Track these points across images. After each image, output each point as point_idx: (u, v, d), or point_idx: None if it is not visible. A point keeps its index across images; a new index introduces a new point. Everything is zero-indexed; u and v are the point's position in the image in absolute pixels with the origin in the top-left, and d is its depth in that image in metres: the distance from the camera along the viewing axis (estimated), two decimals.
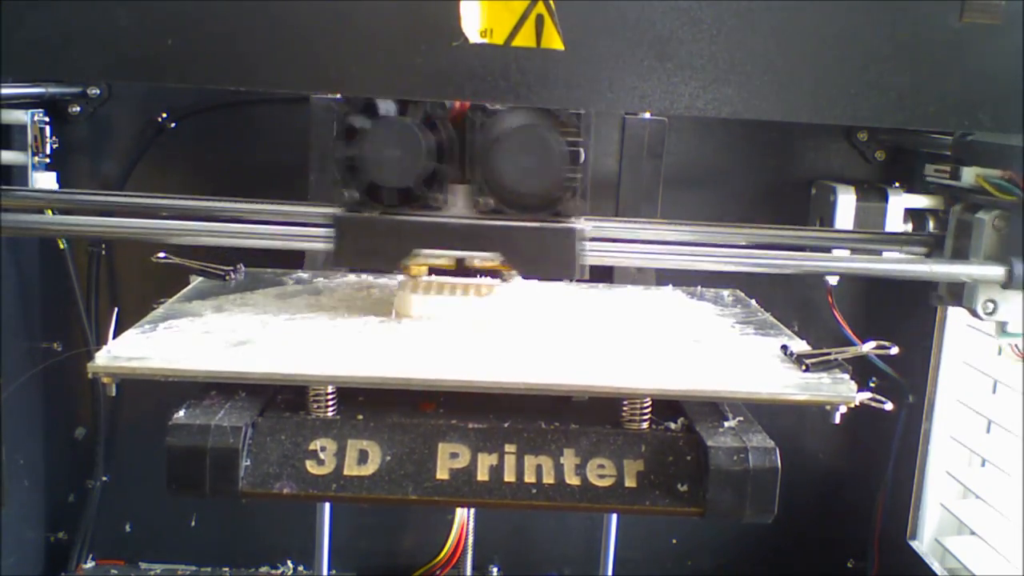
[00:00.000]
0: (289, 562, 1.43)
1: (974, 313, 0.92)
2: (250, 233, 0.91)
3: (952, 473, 1.26)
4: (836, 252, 1.07)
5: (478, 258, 0.86)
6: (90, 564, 1.40)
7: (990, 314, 0.91)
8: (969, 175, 0.98)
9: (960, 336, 1.24)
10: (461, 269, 0.91)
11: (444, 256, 0.87)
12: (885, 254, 1.03)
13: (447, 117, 0.82)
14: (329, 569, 1.31)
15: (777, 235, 0.98)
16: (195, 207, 0.95)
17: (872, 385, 1.32)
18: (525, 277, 0.92)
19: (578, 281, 1.15)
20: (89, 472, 1.37)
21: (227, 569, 1.42)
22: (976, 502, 1.23)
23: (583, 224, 0.84)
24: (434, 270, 0.93)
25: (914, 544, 1.29)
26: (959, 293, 0.93)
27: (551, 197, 0.83)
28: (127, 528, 1.41)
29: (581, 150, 0.82)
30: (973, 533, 1.21)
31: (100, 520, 1.39)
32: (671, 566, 1.45)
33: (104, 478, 1.38)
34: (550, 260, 0.84)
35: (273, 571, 1.43)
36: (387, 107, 0.82)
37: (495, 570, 1.43)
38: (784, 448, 0.79)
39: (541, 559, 1.44)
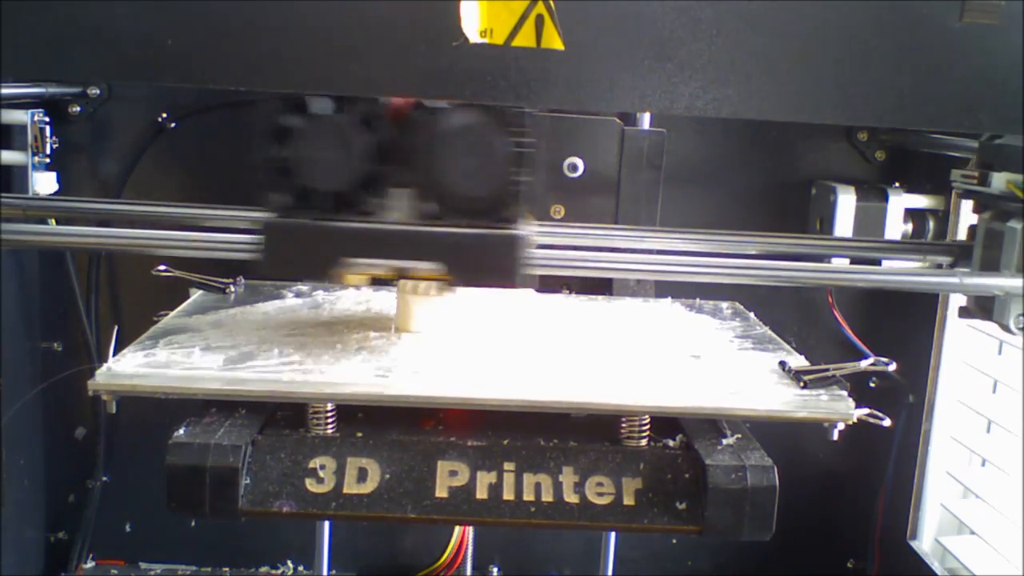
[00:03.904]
0: (289, 562, 1.43)
1: (1006, 328, 0.87)
2: (252, 244, 0.87)
3: (952, 473, 1.26)
4: (836, 261, 1.07)
5: (415, 268, 0.80)
6: (90, 564, 1.40)
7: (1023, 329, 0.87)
8: (999, 181, 0.91)
9: (960, 336, 1.24)
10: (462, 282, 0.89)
11: (381, 265, 0.80)
12: (907, 264, 0.99)
13: (386, 116, 0.77)
14: (329, 569, 1.31)
15: (790, 244, 0.95)
16: (195, 215, 0.94)
17: (872, 386, 1.32)
18: (465, 286, 0.86)
19: (578, 293, 1.15)
20: (89, 472, 1.37)
21: (227, 569, 1.42)
22: (976, 502, 1.23)
23: (527, 230, 0.79)
24: (434, 281, 0.91)
25: (914, 544, 1.29)
26: (988, 307, 0.89)
27: (495, 201, 0.77)
28: (127, 528, 1.41)
29: (527, 151, 0.76)
30: (973, 533, 1.21)
31: (100, 520, 1.39)
32: (671, 566, 1.45)
33: (104, 478, 1.38)
34: (490, 268, 0.78)
35: (273, 571, 1.43)
36: (321, 105, 0.77)
37: (495, 570, 1.43)
38: (784, 449, 0.79)
39: (541, 559, 1.44)
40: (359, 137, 0.76)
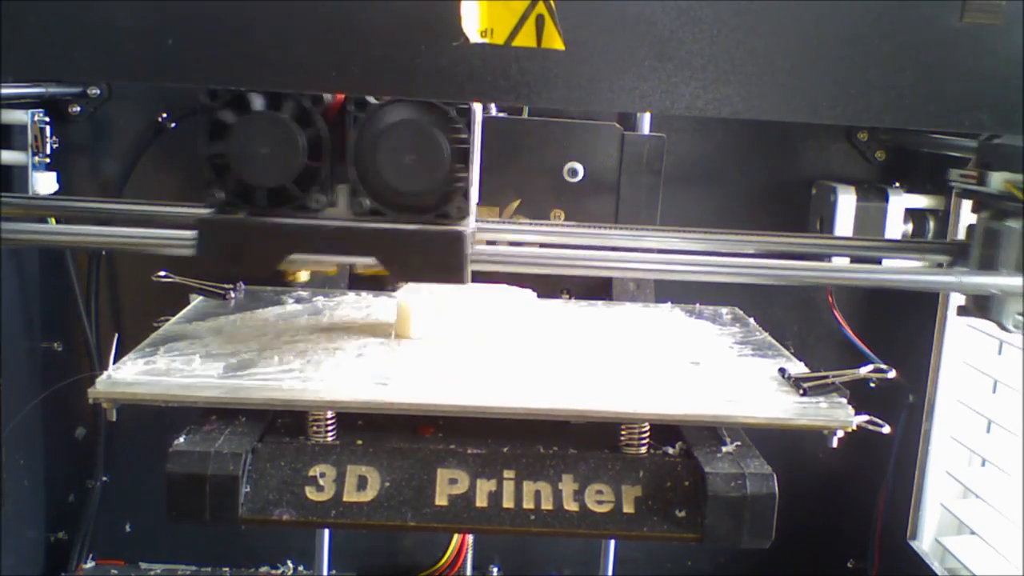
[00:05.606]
0: (289, 562, 1.43)
1: (1003, 327, 0.87)
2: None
3: (952, 473, 1.26)
4: (836, 260, 1.06)
5: (358, 264, 0.80)
6: (90, 564, 1.40)
7: (1020, 328, 0.86)
8: (997, 180, 0.91)
9: (960, 336, 1.24)
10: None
11: (322, 261, 0.80)
12: (906, 263, 0.99)
13: (323, 112, 0.76)
14: (329, 569, 1.31)
15: (790, 243, 0.95)
16: (196, 214, 0.93)
17: (872, 386, 1.32)
18: (406, 281, 0.87)
19: (578, 298, 1.15)
20: (89, 472, 1.37)
21: (227, 569, 1.42)
22: (976, 502, 1.23)
23: (470, 227, 0.78)
24: (434, 290, 0.92)
25: (914, 544, 1.29)
26: (986, 305, 0.89)
27: (436, 198, 0.77)
28: (127, 528, 1.41)
29: (469, 147, 0.76)
30: (973, 533, 1.21)
31: (100, 520, 1.39)
32: (671, 566, 1.45)
33: (104, 478, 1.38)
34: (435, 265, 0.77)
35: (273, 571, 1.43)
36: (258, 101, 0.76)
37: (495, 570, 1.43)
38: (784, 448, 0.79)
39: (541, 560, 1.44)
40: (298, 133, 0.75)
